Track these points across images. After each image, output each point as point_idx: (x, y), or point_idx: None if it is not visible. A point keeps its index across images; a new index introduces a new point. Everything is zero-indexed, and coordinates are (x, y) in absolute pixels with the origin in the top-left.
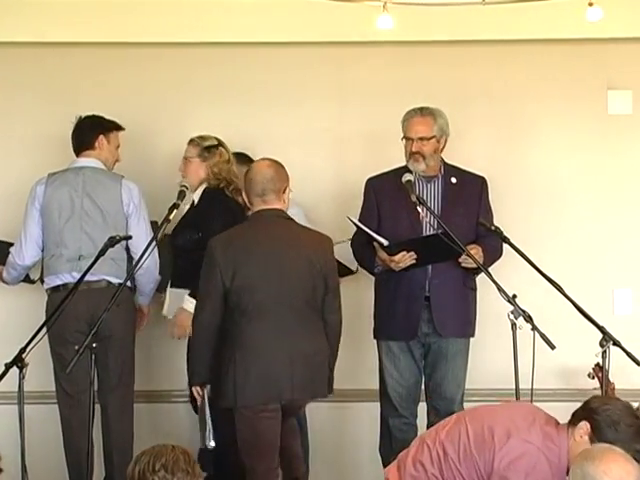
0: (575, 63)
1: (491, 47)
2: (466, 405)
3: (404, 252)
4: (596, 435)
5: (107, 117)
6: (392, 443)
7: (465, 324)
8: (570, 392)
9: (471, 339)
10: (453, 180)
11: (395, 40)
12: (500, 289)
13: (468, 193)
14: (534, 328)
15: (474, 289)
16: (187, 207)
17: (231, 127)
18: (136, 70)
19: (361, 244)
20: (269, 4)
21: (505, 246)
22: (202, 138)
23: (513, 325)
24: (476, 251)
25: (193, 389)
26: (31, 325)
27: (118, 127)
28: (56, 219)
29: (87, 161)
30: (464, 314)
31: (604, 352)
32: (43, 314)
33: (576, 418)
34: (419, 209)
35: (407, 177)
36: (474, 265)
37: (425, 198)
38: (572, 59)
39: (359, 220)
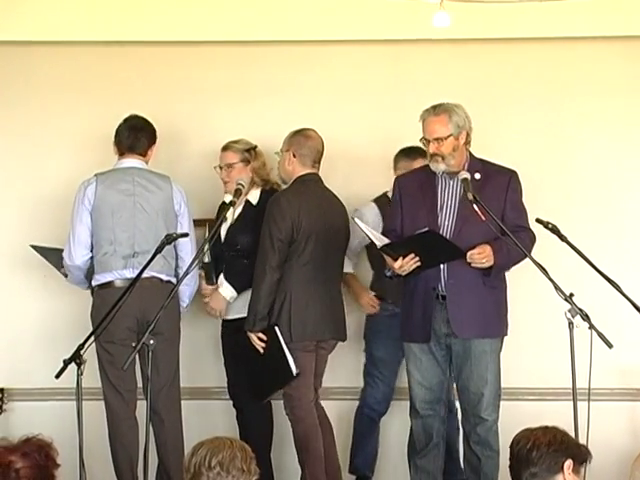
0: (635, 60)
1: (549, 44)
2: (517, 404)
3: (407, 256)
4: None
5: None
6: (415, 443)
7: (487, 324)
8: (628, 392)
9: (526, 337)
10: (477, 176)
11: (452, 38)
12: (557, 287)
13: (492, 189)
14: (591, 327)
15: (497, 287)
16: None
17: (286, 124)
18: (181, 68)
19: None
20: (326, 3)
21: (562, 244)
22: (238, 142)
23: (570, 324)
24: (481, 250)
25: (253, 334)
26: (77, 324)
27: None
28: (109, 217)
29: (134, 162)
30: (485, 313)
31: None
32: (88, 313)
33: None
34: (475, 208)
35: (463, 175)
36: (485, 265)
37: (446, 196)
38: (632, 56)
39: (387, 218)
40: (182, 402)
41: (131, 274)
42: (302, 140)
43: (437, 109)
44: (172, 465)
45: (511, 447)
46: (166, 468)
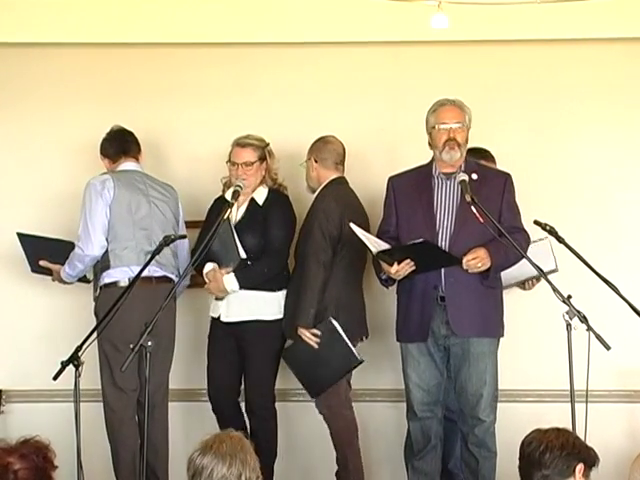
0: (634, 62)
1: (547, 46)
2: (515, 406)
3: (402, 261)
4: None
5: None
6: (413, 445)
7: (485, 323)
8: (626, 393)
9: (524, 339)
10: (474, 176)
11: (450, 39)
12: (555, 289)
13: (489, 190)
14: (589, 329)
15: (495, 287)
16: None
17: (285, 126)
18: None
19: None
20: (324, 4)
21: (559, 246)
22: (254, 139)
23: (568, 326)
24: (475, 255)
25: (307, 330)
26: (76, 325)
27: None
28: (127, 214)
29: (134, 165)
30: (483, 313)
31: None
32: (88, 314)
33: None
34: (473, 209)
35: (461, 177)
36: (481, 269)
37: (443, 197)
38: (631, 58)
39: (382, 219)
40: (174, 404)
41: (147, 270)
42: (321, 145)
43: (454, 101)
44: (159, 463)
45: (522, 448)
46: (152, 467)
